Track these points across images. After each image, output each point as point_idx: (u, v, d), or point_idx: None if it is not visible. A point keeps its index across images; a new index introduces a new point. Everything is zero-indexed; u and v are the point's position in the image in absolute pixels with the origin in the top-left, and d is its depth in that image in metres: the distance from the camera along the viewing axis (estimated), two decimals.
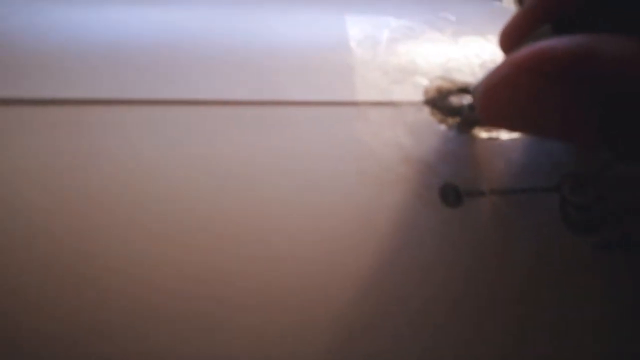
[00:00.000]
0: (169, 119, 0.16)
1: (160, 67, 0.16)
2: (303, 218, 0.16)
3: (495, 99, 0.15)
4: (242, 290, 0.15)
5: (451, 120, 0.18)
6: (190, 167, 0.15)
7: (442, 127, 0.18)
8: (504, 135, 0.18)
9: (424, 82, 0.19)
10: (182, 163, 0.15)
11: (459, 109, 0.18)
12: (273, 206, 0.16)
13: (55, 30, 0.16)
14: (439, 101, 0.18)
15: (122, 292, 0.14)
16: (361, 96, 0.18)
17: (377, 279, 0.16)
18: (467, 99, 0.18)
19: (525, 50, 0.14)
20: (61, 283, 0.14)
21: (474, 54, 0.20)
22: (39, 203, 0.14)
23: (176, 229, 0.15)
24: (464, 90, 0.19)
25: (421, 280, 0.17)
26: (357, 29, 0.19)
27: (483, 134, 0.18)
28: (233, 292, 0.15)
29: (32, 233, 0.14)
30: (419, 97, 0.18)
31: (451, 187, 0.17)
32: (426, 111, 0.18)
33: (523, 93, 0.14)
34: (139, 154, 0.15)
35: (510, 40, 0.17)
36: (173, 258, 0.15)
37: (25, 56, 0.15)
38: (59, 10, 0.17)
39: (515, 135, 0.19)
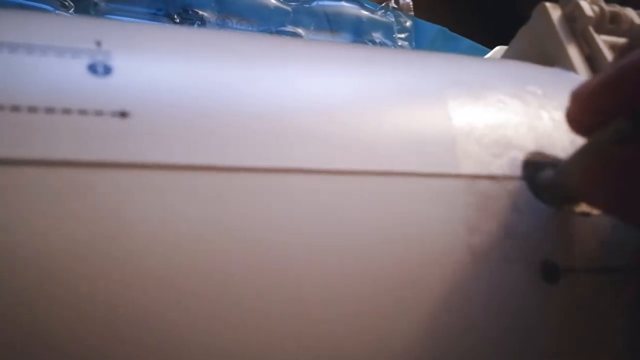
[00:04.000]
0: (274, 187, 0.16)
1: (275, 134, 0.16)
2: (410, 293, 0.16)
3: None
4: None
5: (547, 196, 0.19)
6: (287, 239, 0.16)
7: (540, 202, 0.18)
8: (596, 211, 0.19)
9: (520, 156, 0.19)
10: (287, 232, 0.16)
11: (553, 185, 0.19)
12: (381, 278, 0.16)
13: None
14: (536, 176, 0.19)
15: None
16: (465, 169, 0.18)
17: (478, 353, 0.17)
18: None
19: None
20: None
21: (564, 129, 0.20)
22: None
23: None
24: (557, 166, 0.19)
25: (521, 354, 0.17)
26: (455, 100, 0.19)
27: (577, 209, 0.19)
28: None
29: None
30: (517, 171, 0.19)
31: (551, 263, 0.18)
32: (524, 186, 0.19)
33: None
34: (220, 223, 0.15)
35: (584, 110, 0.17)
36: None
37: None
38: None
39: None
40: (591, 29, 0.24)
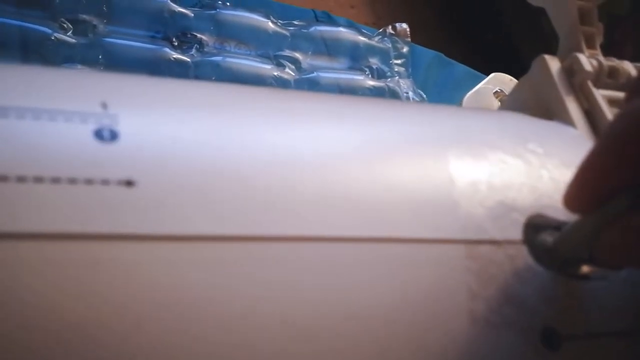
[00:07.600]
0: (279, 255, 0.16)
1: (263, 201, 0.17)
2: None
3: None
4: None
5: (547, 259, 0.19)
6: (288, 308, 0.16)
7: (540, 266, 0.19)
8: (596, 275, 0.19)
9: (521, 219, 0.19)
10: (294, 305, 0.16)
11: (554, 247, 0.19)
12: (381, 345, 0.16)
13: None
14: (536, 239, 0.19)
15: None
16: (467, 234, 0.18)
17: None
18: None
19: None
20: None
21: (563, 189, 0.20)
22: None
23: None
24: (558, 228, 0.19)
25: None
26: (458, 161, 0.20)
27: (577, 272, 0.19)
28: None
29: None
30: (517, 235, 0.19)
31: (552, 330, 0.18)
32: (524, 250, 0.19)
33: None
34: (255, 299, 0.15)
35: (580, 201, 0.17)
36: None
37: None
38: None
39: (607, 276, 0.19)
40: (590, 83, 0.25)
